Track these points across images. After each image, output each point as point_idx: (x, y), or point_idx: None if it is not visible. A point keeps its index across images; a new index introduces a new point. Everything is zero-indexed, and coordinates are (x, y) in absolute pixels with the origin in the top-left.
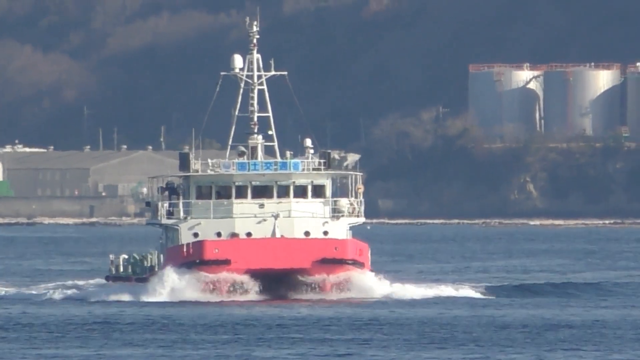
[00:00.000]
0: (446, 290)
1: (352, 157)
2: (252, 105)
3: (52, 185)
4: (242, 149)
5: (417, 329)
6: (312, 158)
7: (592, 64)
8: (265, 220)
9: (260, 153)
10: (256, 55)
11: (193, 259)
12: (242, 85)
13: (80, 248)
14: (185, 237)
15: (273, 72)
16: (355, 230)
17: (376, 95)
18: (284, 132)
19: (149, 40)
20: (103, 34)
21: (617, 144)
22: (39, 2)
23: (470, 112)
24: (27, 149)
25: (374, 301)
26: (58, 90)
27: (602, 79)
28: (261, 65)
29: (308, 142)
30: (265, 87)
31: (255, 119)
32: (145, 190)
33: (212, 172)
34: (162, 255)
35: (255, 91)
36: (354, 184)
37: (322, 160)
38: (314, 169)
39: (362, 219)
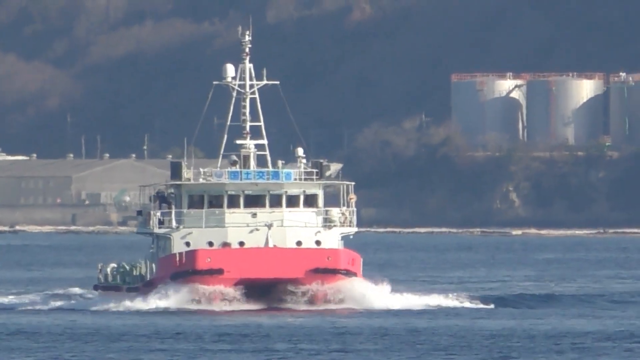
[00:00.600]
0: (448, 300)
1: (335, 166)
2: (245, 114)
3: (35, 193)
4: (234, 158)
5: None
6: (304, 167)
7: (575, 73)
8: (257, 229)
9: (252, 162)
10: (248, 65)
11: (185, 269)
12: (234, 94)
13: (63, 257)
14: (178, 247)
15: (265, 81)
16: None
17: (359, 104)
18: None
19: (133, 48)
20: (86, 42)
21: (599, 153)
22: (23, 11)
23: (453, 121)
24: (10, 157)
25: (376, 311)
26: (41, 98)
27: (585, 89)
28: (253, 74)
29: (300, 151)
30: (257, 96)
31: (248, 128)
32: (128, 198)
33: (204, 181)
34: (153, 265)
35: (248, 100)
36: (345, 194)
37: (314, 170)
38: (306, 179)
39: (354, 229)
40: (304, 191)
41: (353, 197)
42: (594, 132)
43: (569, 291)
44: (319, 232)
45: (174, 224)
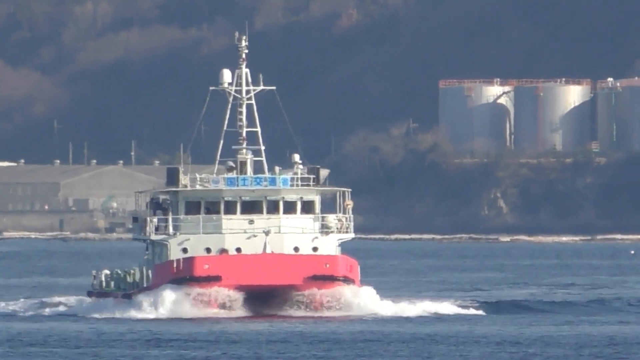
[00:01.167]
0: (445, 307)
1: (323, 172)
2: (241, 120)
3: (23, 199)
4: (231, 164)
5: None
6: (300, 173)
7: (563, 79)
8: (255, 236)
9: (249, 168)
10: (245, 70)
11: (183, 275)
12: (231, 99)
13: (52, 263)
14: (175, 253)
15: (262, 87)
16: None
17: (347, 110)
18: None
19: (120, 55)
20: (73, 48)
21: (587, 160)
22: (10, 17)
23: (441, 127)
24: None
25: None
26: (28, 104)
27: (572, 95)
28: (250, 79)
29: (296, 157)
30: (253, 101)
31: (244, 133)
32: (115, 204)
33: (202, 187)
34: (149, 271)
35: (244, 106)
36: (342, 200)
37: (311, 176)
38: (303, 185)
39: (351, 235)
40: (301, 197)
41: (350, 204)
42: (581, 139)
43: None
44: (316, 238)
45: (170, 230)
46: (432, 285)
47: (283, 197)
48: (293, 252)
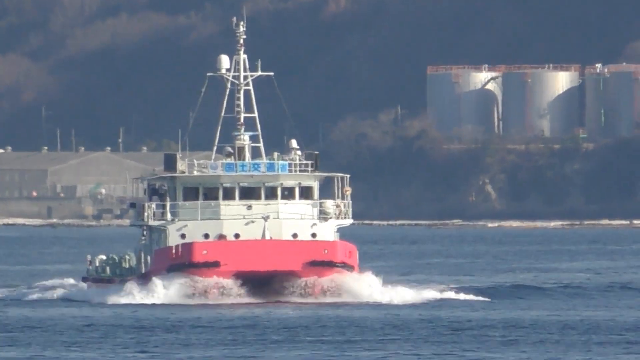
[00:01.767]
0: (440, 293)
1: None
2: (239, 106)
3: (11, 186)
4: (229, 149)
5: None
6: (299, 159)
7: (551, 65)
8: (253, 221)
9: (247, 154)
10: (243, 56)
11: (182, 261)
12: (229, 85)
13: (41, 249)
14: (173, 239)
15: (260, 73)
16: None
17: (334, 97)
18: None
19: (108, 41)
20: (62, 35)
21: (575, 146)
22: None
23: (429, 114)
24: None
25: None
26: (16, 91)
27: (561, 81)
28: (247, 65)
29: (294, 143)
30: (251, 87)
31: (242, 119)
32: (103, 191)
33: (200, 173)
34: (148, 257)
35: (242, 92)
36: (340, 186)
37: (309, 162)
38: (301, 170)
39: (349, 221)
40: (300, 183)
41: (348, 190)
42: (569, 125)
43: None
44: (315, 224)
45: (168, 216)
46: (426, 271)
47: (281, 183)
48: (291, 239)
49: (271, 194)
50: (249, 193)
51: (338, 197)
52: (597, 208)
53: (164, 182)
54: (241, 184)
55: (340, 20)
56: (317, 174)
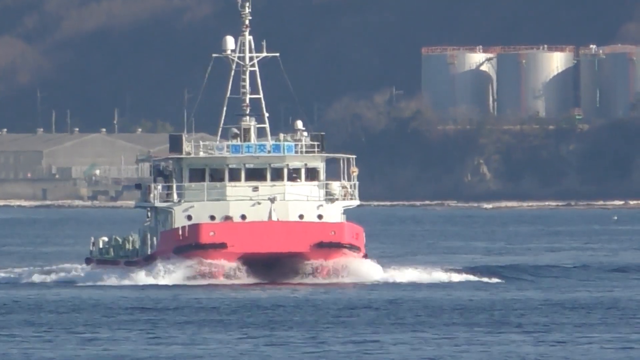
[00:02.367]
0: (441, 274)
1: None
2: (244, 87)
3: (6, 167)
4: (235, 131)
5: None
6: (304, 140)
7: (545, 46)
8: (259, 203)
9: (253, 135)
10: (248, 37)
11: (189, 243)
12: (234, 67)
13: (39, 231)
14: (179, 220)
15: (265, 54)
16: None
17: (329, 78)
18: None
19: (103, 23)
20: (57, 17)
21: (570, 126)
22: None
23: (424, 95)
24: None
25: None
26: (12, 73)
27: (555, 61)
28: (253, 46)
29: (299, 124)
30: (257, 68)
31: (247, 100)
32: (98, 172)
33: (206, 155)
34: (154, 238)
35: (247, 73)
36: (346, 167)
37: (315, 143)
38: (307, 151)
39: (356, 202)
40: (306, 164)
41: (355, 170)
42: (564, 105)
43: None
44: (321, 205)
45: (175, 197)
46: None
47: (287, 164)
48: (298, 220)
49: (277, 175)
50: (254, 174)
51: (344, 178)
52: (592, 188)
53: (170, 163)
54: (247, 165)
55: (335, 2)
56: (323, 154)
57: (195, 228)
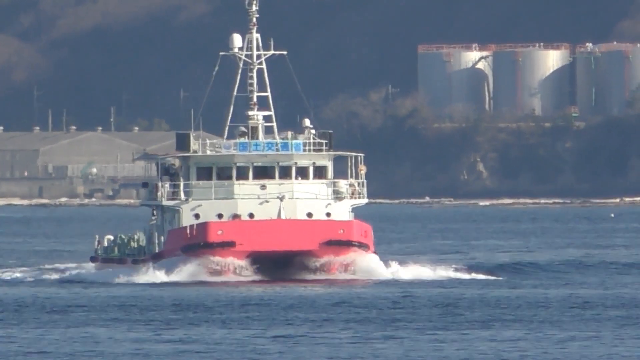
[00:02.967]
0: (449, 271)
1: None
2: (252, 85)
3: (2, 166)
4: (243, 129)
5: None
6: (312, 138)
7: (541, 44)
8: (267, 201)
9: (260, 133)
10: (255, 35)
11: (197, 241)
12: (241, 64)
13: (37, 229)
14: (187, 219)
15: (272, 52)
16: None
17: (325, 75)
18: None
19: (99, 21)
20: (53, 15)
21: (566, 124)
22: None
23: (420, 92)
24: None
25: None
26: (8, 71)
27: (551, 59)
28: (260, 44)
29: (307, 122)
30: (264, 66)
31: (255, 98)
32: (94, 170)
33: (213, 153)
34: (161, 237)
35: (255, 71)
36: (354, 165)
37: (324, 141)
38: (315, 149)
39: (364, 200)
40: (314, 162)
41: (363, 168)
42: (560, 103)
43: None
44: (330, 204)
45: (182, 196)
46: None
47: (295, 162)
48: (306, 218)
49: (285, 173)
50: (262, 172)
51: (351, 176)
52: (588, 186)
53: (177, 162)
54: (255, 164)
55: (331, 0)
56: (331, 152)
57: (203, 226)
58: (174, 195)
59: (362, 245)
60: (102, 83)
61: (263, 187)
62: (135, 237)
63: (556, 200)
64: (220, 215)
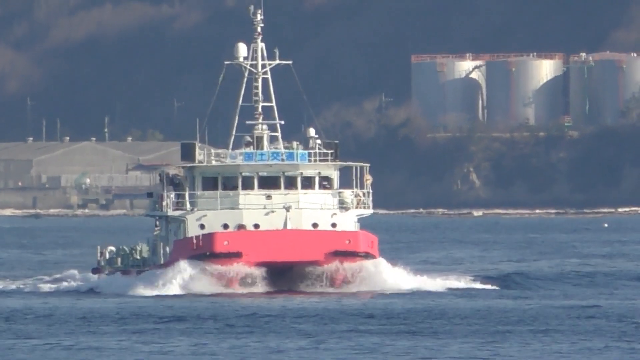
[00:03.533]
0: (462, 282)
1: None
2: (257, 94)
3: None
4: (248, 139)
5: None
6: (318, 148)
7: (535, 53)
8: (273, 211)
9: (266, 143)
10: (260, 44)
11: (203, 252)
12: (246, 74)
13: (33, 240)
14: (192, 229)
15: (278, 61)
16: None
17: (319, 85)
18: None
19: (92, 31)
20: (46, 25)
21: (560, 134)
22: None
23: (413, 102)
24: None
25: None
26: (1, 81)
27: (545, 69)
28: (265, 54)
29: (312, 131)
30: (269, 76)
31: (260, 108)
32: (88, 181)
33: (218, 163)
34: (166, 247)
35: (260, 80)
36: (359, 175)
37: (329, 151)
38: (321, 160)
39: (370, 211)
40: (319, 172)
41: (369, 179)
42: (554, 113)
43: None
44: (335, 214)
45: (187, 206)
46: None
47: (301, 172)
48: (312, 229)
49: (290, 183)
50: (268, 182)
51: (356, 187)
52: (582, 196)
53: (182, 172)
54: (260, 174)
55: (324, 9)
56: (336, 162)
57: (209, 237)
58: (179, 205)
59: (369, 256)
60: (96, 93)
61: (268, 197)
62: (138, 248)
63: (550, 211)
64: (225, 226)
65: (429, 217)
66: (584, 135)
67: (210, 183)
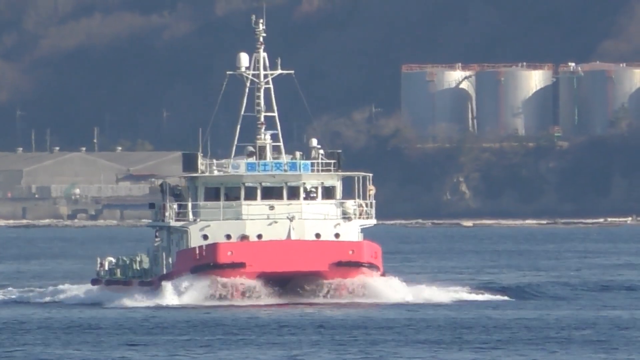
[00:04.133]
0: (466, 293)
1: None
2: (259, 104)
3: None
4: (251, 149)
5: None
6: (321, 158)
7: (524, 63)
8: (276, 222)
9: (268, 153)
10: (262, 54)
11: (206, 262)
12: (248, 84)
13: (25, 250)
14: (195, 240)
15: (280, 71)
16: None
17: (308, 96)
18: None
19: (82, 41)
20: (35, 35)
21: (549, 144)
22: None
23: (403, 113)
24: None
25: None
26: None
27: (534, 79)
28: (267, 63)
29: (314, 142)
30: (271, 86)
31: (262, 118)
32: (78, 191)
33: (221, 173)
34: (169, 258)
35: (262, 90)
36: (362, 185)
37: (332, 161)
38: (324, 170)
39: (373, 221)
40: (322, 183)
41: (372, 189)
42: (543, 123)
43: None
44: (338, 224)
45: (190, 216)
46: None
47: (304, 183)
48: (314, 239)
49: (293, 193)
50: (271, 193)
51: (359, 197)
52: (571, 206)
53: (184, 182)
54: (263, 184)
55: (314, 20)
56: (339, 173)
57: (212, 247)
58: (181, 216)
59: (373, 267)
60: (85, 103)
61: (271, 207)
62: (138, 258)
63: (541, 221)
64: (228, 236)
65: (419, 228)
66: (574, 146)
67: (213, 193)
